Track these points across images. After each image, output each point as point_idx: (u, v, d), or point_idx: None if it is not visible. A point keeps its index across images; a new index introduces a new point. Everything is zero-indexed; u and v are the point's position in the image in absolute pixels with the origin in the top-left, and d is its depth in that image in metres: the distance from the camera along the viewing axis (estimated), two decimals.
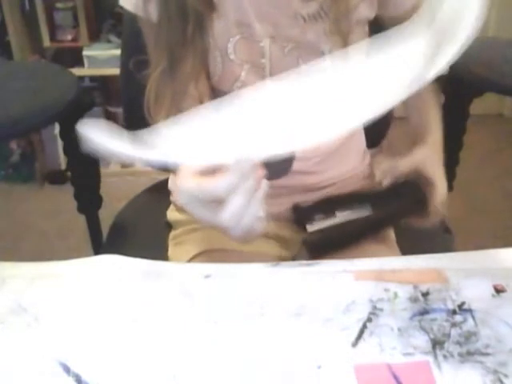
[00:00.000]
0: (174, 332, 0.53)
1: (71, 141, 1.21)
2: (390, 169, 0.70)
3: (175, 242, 0.87)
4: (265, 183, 0.47)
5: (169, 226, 0.91)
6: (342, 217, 0.70)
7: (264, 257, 0.77)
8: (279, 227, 0.83)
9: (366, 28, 0.76)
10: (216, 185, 0.46)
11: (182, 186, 0.48)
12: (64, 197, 1.52)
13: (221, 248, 0.79)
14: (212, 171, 0.47)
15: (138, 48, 0.73)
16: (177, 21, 0.68)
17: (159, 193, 0.98)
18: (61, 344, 0.52)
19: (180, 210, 0.89)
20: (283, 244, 0.84)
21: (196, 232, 0.84)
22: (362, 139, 0.90)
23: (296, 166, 0.77)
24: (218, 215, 0.47)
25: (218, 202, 0.47)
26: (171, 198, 0.92)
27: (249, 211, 0.47)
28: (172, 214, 0.91)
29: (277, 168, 0.48)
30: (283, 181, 0.78)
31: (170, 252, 0.86)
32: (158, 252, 0.86)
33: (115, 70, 1.10)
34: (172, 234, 0.89)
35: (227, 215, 0.46)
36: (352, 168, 0.86)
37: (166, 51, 0.68)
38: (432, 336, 0.52)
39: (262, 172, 0.47)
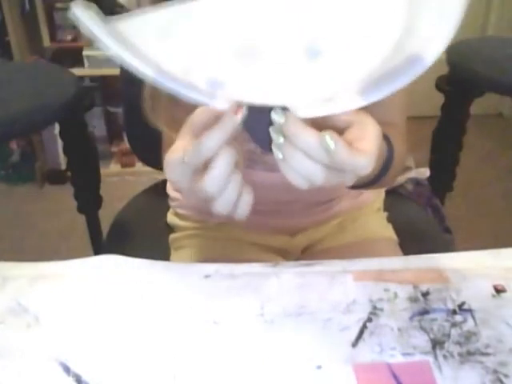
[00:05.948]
0: (174, 332, 0.53)
1: (71, 141, 1.21)
2: None
3: (175, 246, 0.87)
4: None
5: (169, 227, 0.91)
6: None
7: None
8: (282, 241, 0.84)
9: None
10: (200, 142, 0.43)
11: (169, 159, 0.46)
12: (64, 197, 1.52)
13: (221, 255, 0.79)
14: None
15: None
16: None
17: (159, 193, 0.98)
18: (61, 344, 0.52)
19: (179, 215, 0.89)
20: (282, 254, 0.84)
21: (196, 238, 0.84)
22: None
23: None
24: (202, 181, 0.44)
25: (203, 172, 0.45)
26: (169, 202, 0.92)
27: (232, 179, 0.45)
28: (171, 218, 0.91)
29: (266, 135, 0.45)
30: (288, 197, 0.78)
31: (172, 256, 0.86)
32: (158, 252, 0.85)
33: (115, 70, 1.10)
34: (172, 236, 0.89)
35: (210, 180, 0.44)
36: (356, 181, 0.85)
37: None
38: (432, 336, 0.52)
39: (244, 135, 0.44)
